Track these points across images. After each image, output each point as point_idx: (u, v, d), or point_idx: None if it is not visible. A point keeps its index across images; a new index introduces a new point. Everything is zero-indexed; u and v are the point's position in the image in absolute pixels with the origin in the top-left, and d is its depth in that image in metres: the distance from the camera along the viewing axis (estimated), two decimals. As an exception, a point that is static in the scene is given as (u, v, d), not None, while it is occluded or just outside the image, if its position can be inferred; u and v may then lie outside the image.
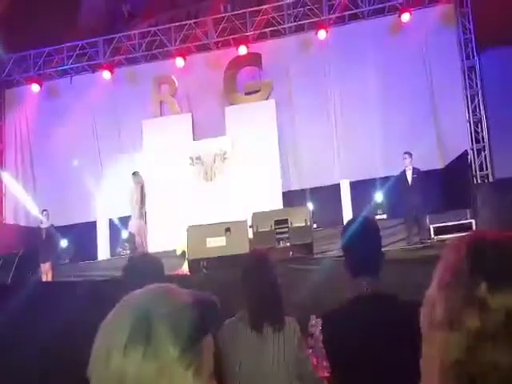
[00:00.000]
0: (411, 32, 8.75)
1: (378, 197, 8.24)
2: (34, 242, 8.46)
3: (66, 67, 10.16)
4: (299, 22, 9.51)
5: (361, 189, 8.30)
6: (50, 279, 7.73)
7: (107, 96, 9.84)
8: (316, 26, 9.25)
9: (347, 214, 7.79)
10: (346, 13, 9.35)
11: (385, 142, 8.73)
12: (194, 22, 9.79)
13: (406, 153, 7.45)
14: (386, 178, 7.95)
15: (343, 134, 9.13)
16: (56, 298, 2.90)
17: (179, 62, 9.54)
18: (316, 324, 1.97)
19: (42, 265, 8.02)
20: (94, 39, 10.07)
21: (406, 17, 8.86)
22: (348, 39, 9.22)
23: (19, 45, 10.01)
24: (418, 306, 1.59)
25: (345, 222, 1.79)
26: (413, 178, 7.29)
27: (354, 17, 9.46)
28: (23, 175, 10.34)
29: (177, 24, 9.89)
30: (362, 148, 8.80)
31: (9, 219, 10.28)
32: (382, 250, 1.71)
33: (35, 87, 10.06)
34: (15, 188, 10.08)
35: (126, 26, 10.47)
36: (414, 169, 7.35)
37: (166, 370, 0.62)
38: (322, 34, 9.14)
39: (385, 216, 7.93)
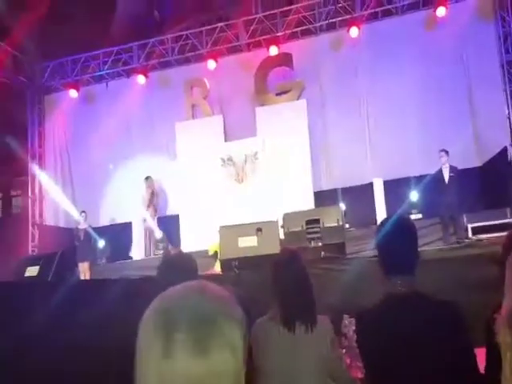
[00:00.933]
0: (447, 27, 8.49)
1: (413, 196, 8.04)
2: (72, 243, 8.77)
3: (101, 73, 10.47)
4: (331, 20, 9.41)
5: (395, 188, 8.12)
6: (87, 278, 7.98)
7: (141, 100, 10.07)
8: (348, 24, 9.13)
9: (381, 214, 7.64)
10: (379, 9, 9.19)
11: (420, 139, 8.51)
12: (225, 25, 9.86)
13: (442, 150, 7.23)
14: (422, 177, 7.75)
15: (376, 133, 8.97)
16: (94, 295, 3.00)
17: (211, 64, 9.64)
18: (349, 324, 1.96)
19: (80, 264, 8.30)
20: (128, 45, 10.33)
21: (441, 11, 8.60)
22: (381, 36, 9.04)
23: (57, 52, 10.41)
24: (455, 306, 1.54)
25: (378, 222, 1.76)
26: (450, 176, 7.07)
27: (388, 13, 9.28)
28: (62, 178, 10.71)
29: (208, 27, 10.01)
30: (395, 146, 8.62)
31: (49, 221, 10.68)
32: (418, 249, 1.67)
33: (73, 93, 10.39)
34: (55, 190, 10.46)
35: (159, 31, 10.69)
36: (451, 167, 7.13)
37: (217, 369, 0.61)
38: (354, 31, 9.00)
39: (420, 215, 7.73)
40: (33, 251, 10.06)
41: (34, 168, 10.52)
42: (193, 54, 10.08)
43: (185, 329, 0.61)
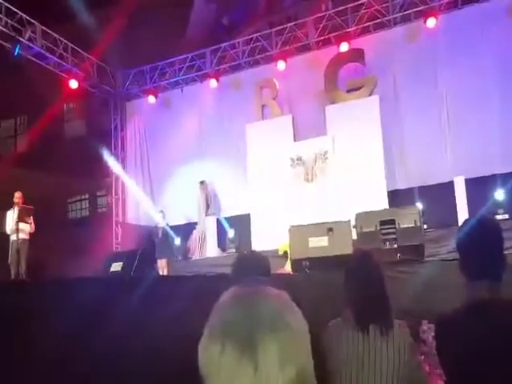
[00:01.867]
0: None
1: (499, 195, 7.45)
2: (152, 240, 9.28)
3: (177, 79, 10.95)
4: (405, 12, 9.02)
5: (477, 186, 7.58)
6: (165, 274, 8.39)
7: (214, 103, 10.39)
8: (425, 15, 8.69)
9: (462, 214, 7.18)
10: (458, -4, 8.65)
11: (505, 134, 7.86)
12: (295, 24, 9.85)
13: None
14: (507, 175, 7.16)
15: (456, 128, 8.43)
16: (172, 290, 3.16)
17: (280, 65, 9.68)
18: (428, 330, 1.87)
19: (158, 261, 8.75)
20: (201, 51, 10.70)
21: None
22: (461, 26, 8.49)
23: (137, 61, 11.08)
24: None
25: (460, 223, 1.67)
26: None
27: (467, 0, 8.69)
28: (142, 178, 11.36)
29: (278, 28, 10.06)
30: (478, 142, 8.04)
31: (131, 219, 11.38)
32: (504, 252, 1.55)
33: (151, 99, 10.99)
34: (136, 191, 11.13)
35: (229, 35, 10.94)
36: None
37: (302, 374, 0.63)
38: (431, 21, 8.55)
39: (507, 216, 7.15)
40: (116, 248, 10.78)
41: (117, 170, 11.27)
42: (263, 55, 10.19)
43: (265, 338, 0.62)
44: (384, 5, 9.13)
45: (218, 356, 0.62)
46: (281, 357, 0.61)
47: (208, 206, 9.71)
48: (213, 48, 10.60)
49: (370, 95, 9.05)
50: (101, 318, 2.69)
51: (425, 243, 4.64)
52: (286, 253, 6.61)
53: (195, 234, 9.72)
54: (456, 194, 7.69)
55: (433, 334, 1.55)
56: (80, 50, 10.39)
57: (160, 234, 9.18)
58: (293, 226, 5.22)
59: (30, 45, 9.31)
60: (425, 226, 6.41)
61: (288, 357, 0.61)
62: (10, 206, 7.59)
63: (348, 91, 9.33)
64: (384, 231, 4.43)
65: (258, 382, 0.60)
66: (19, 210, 7.38)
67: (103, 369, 2.67)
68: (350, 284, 2.00)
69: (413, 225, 4.40)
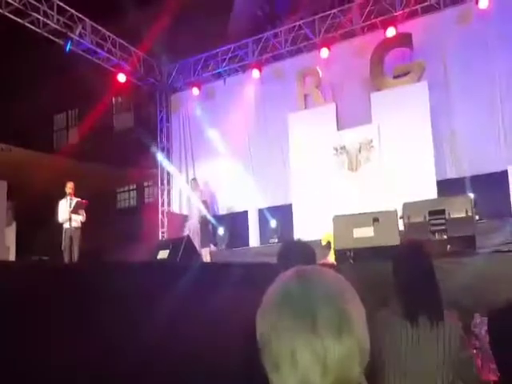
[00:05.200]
0: None
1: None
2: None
3: (220, 70, 11.02)
4: (456, -7, 8.59)
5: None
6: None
7: (256, 93, 10.38)
8: (476, -6, 8.25)
9: (517, 205, 6.81)
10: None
11: None
12: (339, 10, 9.62)
13: None
14: None
15: (510, 115, 7.98)
16: (216, 277, 3.22)
17: (324, 52, 9.50)
18: (481, 323, 1.80)
19: (202, 250, 8.95)
20: (244, 41, 10.69)
21: None
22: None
23: (181, 54, 11.25)
24: None
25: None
26: None
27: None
28: (186, 169, 11.60)
29: (321, 15, 9.86)
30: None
31: (175, 209, 11.67)
32: None
33: (195, 91, 11.13)
34: (180, 181, 11.38)
35: (272, 25, 10.85)
36: None
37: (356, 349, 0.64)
38: (483, 2, 8.09)
39: None
40: (162, 236, 11.12)
41: (163, 160, 11.56)
42: (305, 43, 10.04)
43: (324, 306, 0.64)
44: (434, -15, 8.73)
45: (275, 322, 0.65)
46: (339, 325, 0.63)
47: (204, 203, 9.67)
48: (255, 38, 10.55)
49: (418, 81, 8.72)
50: (150, 302, 2.78)
51: (476, 234, 4.45)
52: (328, 243, 6.55)
53: (187, 228, 9.65)
54: (510, 184, 7.30)
55: (485, 327, 1.49)
56: (127, 45, 10.68)
57: (203, 224, 9.35)
58: (337, 216, 5.16)
59: (81, 40, 9.67)
60: (476, 217, 6.14)
61: (345, 327, 0.63)
62: (63, 195, 7.98)
63: (395, 77, 9.03)
64: (433, 222, 4.28)
65: (317, 346, 0.62)
66: (75, 204, 7.76)
67: (154, 355, 2.76)
68: (399, 274, 1.95)
69: (464, 215, 4.23)
